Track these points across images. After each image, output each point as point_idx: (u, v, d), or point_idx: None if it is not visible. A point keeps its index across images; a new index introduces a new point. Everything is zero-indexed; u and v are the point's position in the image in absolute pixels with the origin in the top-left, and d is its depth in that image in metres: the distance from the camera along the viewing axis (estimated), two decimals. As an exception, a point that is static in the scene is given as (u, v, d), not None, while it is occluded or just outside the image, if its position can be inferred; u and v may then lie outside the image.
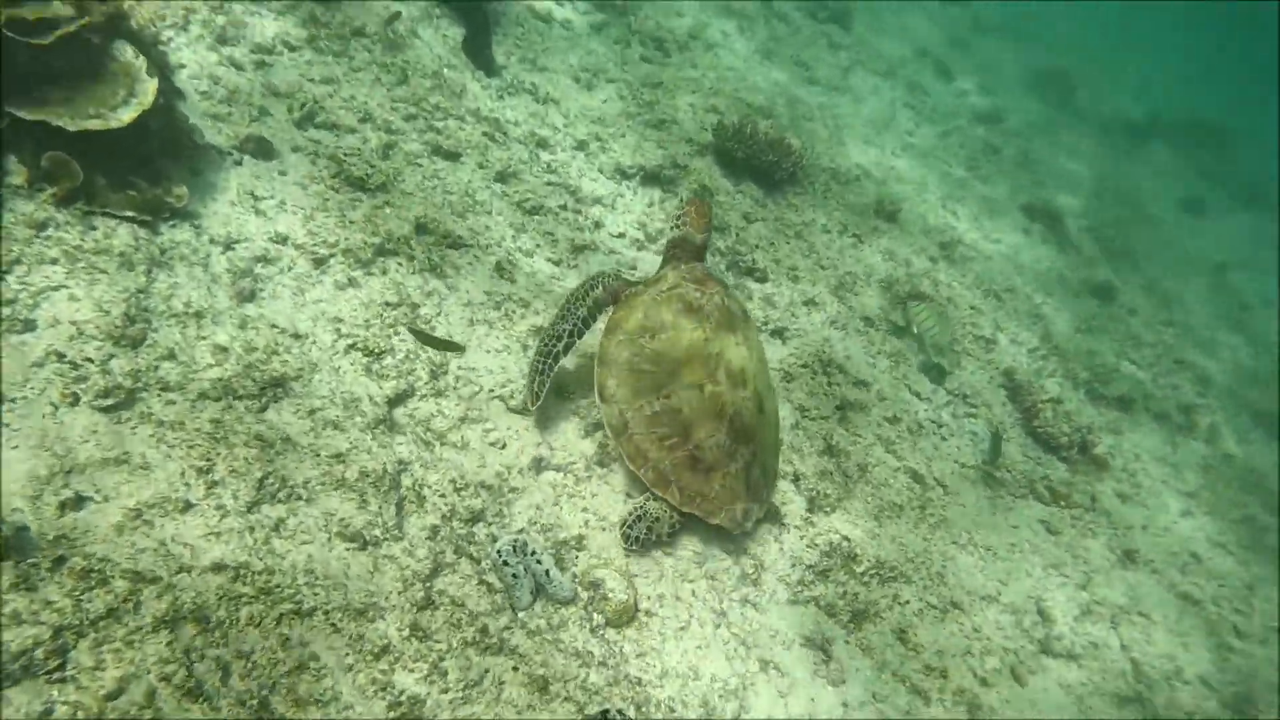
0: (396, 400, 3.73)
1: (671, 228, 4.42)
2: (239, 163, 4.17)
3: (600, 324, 4.12)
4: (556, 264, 5.00)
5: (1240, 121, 18.00)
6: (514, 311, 4.49)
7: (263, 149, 4.29)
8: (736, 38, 9.12)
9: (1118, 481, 6.14)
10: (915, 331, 5.96)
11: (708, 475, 3.79)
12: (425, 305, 4.20)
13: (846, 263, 6.59)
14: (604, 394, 3.85)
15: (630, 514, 3.75)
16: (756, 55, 9.08)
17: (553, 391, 3.96)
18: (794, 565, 4.12)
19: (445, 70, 5.68)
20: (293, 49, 5.02)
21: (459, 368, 4.03)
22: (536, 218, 5.21)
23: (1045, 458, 6.00)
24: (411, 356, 3.89)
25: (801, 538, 4.27)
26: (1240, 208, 15.78)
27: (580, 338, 4.01)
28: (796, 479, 4.54)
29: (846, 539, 4.37)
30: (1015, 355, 6.80)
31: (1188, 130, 16.32)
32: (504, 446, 3.84)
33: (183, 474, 2.92)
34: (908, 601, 4.30)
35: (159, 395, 3.11)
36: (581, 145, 5.99)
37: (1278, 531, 6.93)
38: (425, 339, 3.89)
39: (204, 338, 3.39)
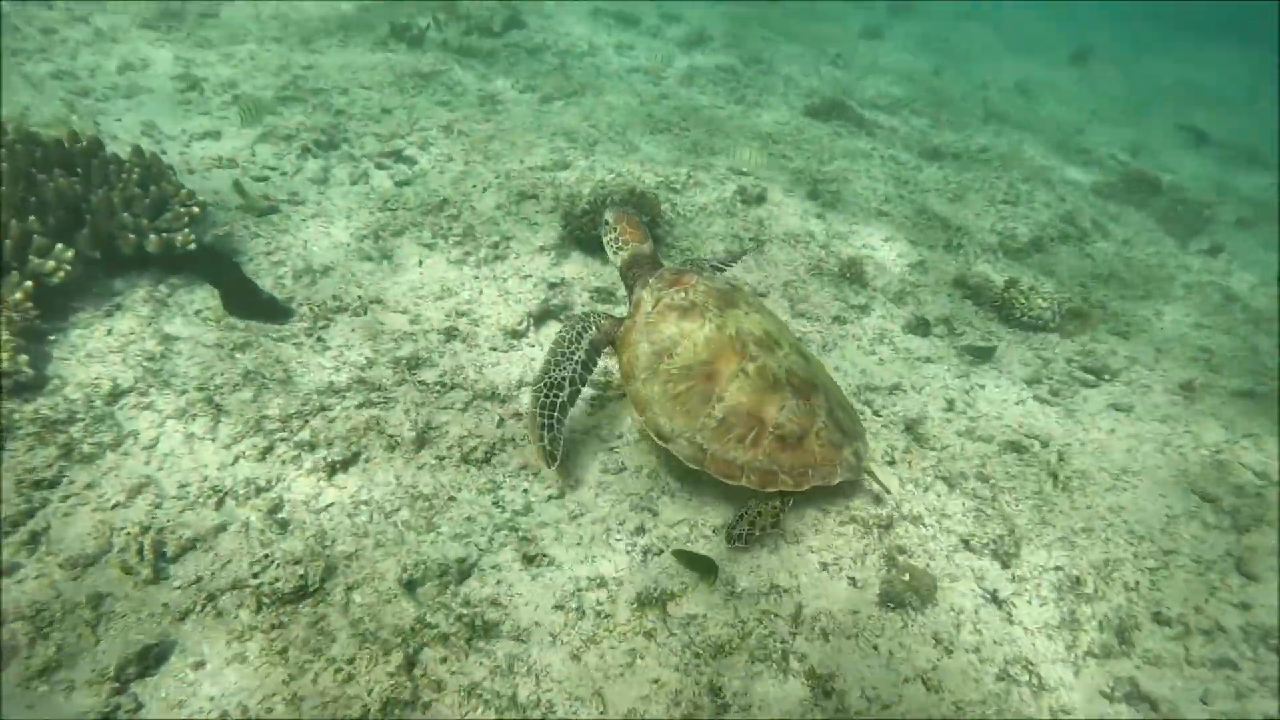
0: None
1: (614, 252, 4.31)
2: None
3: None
4: (549, 497, 3.98)
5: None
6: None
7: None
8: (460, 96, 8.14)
9: (1104, 321, 6.40)
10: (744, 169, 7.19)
11: (802, 444, 3.72)
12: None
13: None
14: (663, 435, 3.75)
15: (735, 516, 3.78)
16: (489, 103, 8.17)
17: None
18: (1055, 636, 3.71)
19: (240, 358, 4.29)
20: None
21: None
22: (486, 463, 4.08)
23: (1045, 339, 6.08)
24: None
25: (1029, 601, 3.87)
26: (894, 18, 17.67)
27: (584, 384, 3.92)
28: (966, 543, 4.10)
29: (1058, 567, 4.05)
30: (946, 260, 6.80)
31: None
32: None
33: None
34: (1135, 585, 4.09)
35: None
36: (450, 334, 4.89)
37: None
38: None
39: None
